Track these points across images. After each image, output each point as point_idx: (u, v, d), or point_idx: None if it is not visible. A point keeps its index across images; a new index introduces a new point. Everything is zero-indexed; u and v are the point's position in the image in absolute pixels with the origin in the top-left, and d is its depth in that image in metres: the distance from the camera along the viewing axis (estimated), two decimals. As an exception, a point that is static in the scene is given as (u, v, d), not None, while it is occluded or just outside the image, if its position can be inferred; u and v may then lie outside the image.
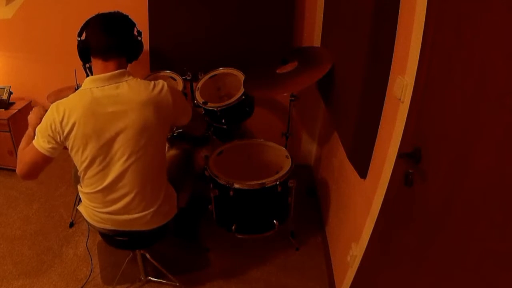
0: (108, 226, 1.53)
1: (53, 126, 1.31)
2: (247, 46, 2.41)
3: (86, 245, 2.14)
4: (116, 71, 1.35)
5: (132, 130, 1.34)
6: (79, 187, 1.52)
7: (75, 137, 1.31)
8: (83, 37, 1.38)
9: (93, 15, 1.39)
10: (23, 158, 1.39)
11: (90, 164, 1.37)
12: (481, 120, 0.76)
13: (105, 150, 1.35)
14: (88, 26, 1.38)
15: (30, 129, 1.45)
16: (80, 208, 1.57)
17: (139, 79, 1.39)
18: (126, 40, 1.40)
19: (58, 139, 1.33)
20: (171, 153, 1.89)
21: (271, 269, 2.03)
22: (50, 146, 1.33)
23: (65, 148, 1.38)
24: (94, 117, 1.30)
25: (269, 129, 2.66)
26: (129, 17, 1.44)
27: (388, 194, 1.21)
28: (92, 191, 1.44)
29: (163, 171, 1.55)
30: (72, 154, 1.37)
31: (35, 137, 1.36)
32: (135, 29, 1.45)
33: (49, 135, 1.32)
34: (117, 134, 1.34)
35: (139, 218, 1.49)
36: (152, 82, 1.40)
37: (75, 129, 1.30)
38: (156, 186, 1.51)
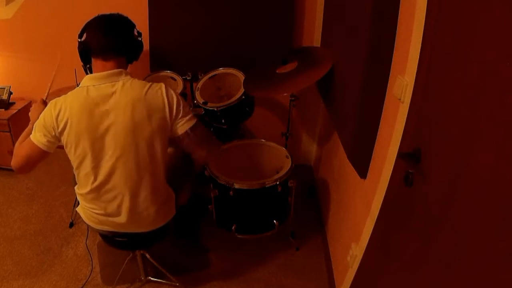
0: (107, 227, 1.53)
1: (49, 121, 1.33)
2: (247, 46, 2.41)
3: (86, 245, 2.14)
4: (113, 70, 1.35)
5: (121, 128, 1.34)
6: (75, 189, 1.52)
7: (68, 134, 1.33)
8: (83, 39, 1.38)
9: (94, 16, 1.40)
10: (20, 151, 1.41)
11: (82, 161, 1.38)
12: (481, 120, 0.76)
13: (96, 148, 1.35)
14: (88, 27, 1.38)
15: (30, 125, 1.46)
16: (79, 210, 1.57)
17: (136, 79, 1.38)
18: (125, 40, 1.40)
19: (54, 134, 1.34)
20: (168, 151, 1.87)
21: (271, 269, 2.03)
22: (46, 140, 1.35)
23: (61, 147, 1.40)
24: (88, 115, 1.31)
25: (269, 129, 2.65)
26: (128, 18, 1.44)
27: (388, 194, 1.21)
28: (85, 191, 1.44)
29: (158, 172, 1.50)
30: (67, 151, 1.39)
31: (33, 132, 1.38)
32: (135, 30, 1.45)
33: (45, 129, 1.34)
34: (106, 132, 1.34)
35: (137, 221, 1.49)
36: (150, 83, 1.38)
37: (68, 125, 1.32)
38: (153, 187, 1.48)
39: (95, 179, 1.40)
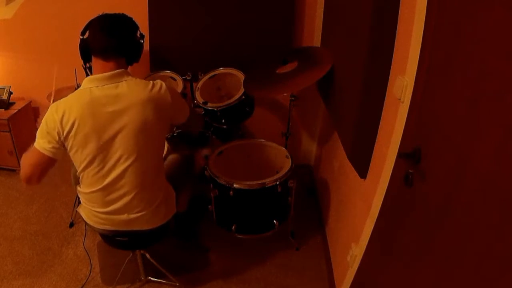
0: (108, 227, 1.52)
1: (52, 126, 1.31)
2: (247, 46, 2.40)
3: (83, 245, 2.14)
4: (115, 71, 1.35)
5: (132, 129, 1.34)
6: (78, 187, 1.52)
7: (74, 136, 1.32)
8: (85, 36, 1.38)
9: (98, 15, 1.39)
10: (26, 161, 1.38)
11: (90, 163, 1.37)
12: (481, 120, 0.76)
13: (104, 150, 1.35)
14: (91, 26, 1.38)
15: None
16: (80, 210, 1.57)
17: (138, 79, 1.39)
18: (126, 42, 1.40)
19: (58, 139, 1.33)
20: (171, 157, 1.89)
21: (271, 269, 2.03)
22: (51, 146, 1.33)
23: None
24: (94, 116, 1.30)
25: (269, 129, 2.65)
26: (133, 19, 1.45)
27: (388, 194, 1.21)
28: (91, 190, 1.44)
29: (161, 170, 1.55)
30: (72, 153, 1.37)
31: (36, 139, 1.35)
32: (138, 32, 1.45)
33: (49, 134, 1.32)
34: (117, 134, 1.34)
35: (138, 218, 1.49)
36: (151, 81, 1.40)
37: (74, 128, 1.30)
38: (156, 185, 1.51)
39: (104, 180, 1.40)
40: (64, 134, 1.31)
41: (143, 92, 1.36)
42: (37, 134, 1.35)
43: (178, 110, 1.52)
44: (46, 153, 1.33)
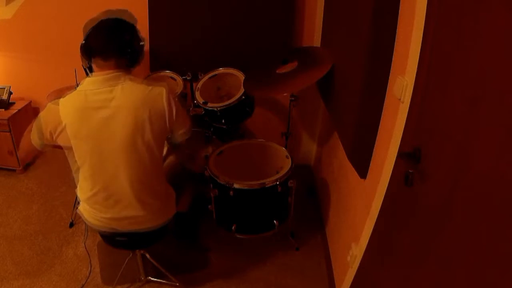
0: (108, 227, 1.53)
1: (46, 125, 1.34)
2: (247, 46, 2.41)
3: (84, 245, 2.14)
4: (112, 74, 1.33)
5: (123, 133, 1.34)
6: (76, 191, 1.53)
7: (67, 138, 1.33)
8: (87, 37, 1.37)
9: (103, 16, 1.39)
10: (22, 145, 1.47)
11: (82, 166, 1.39)
12: (481, 120, 0.76)
13: (96, 153, 1.35)
14: (94, 26, 1.37)
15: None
16: (80, 209, 1.57)
17: (135, 83, 1.36)
18: (124, 44, 1.37)
19: (50, 137, 1.36)
20: (172, 158, 1.88)
21: (271, 269, 2.03)
22: (41, 142, 1.39)
23: (58, 147, 1.41)
24: (87, 120, 1.31)
25: (269, 129, 2.66)
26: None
27: (388, 194, 1.21)
28: (87, 196, 1.45)
29: (160, 171, 1.54)
30: (66, 153, 1.40)
31: (32, 130, 1.40)
32: (139, 34, 1.43)
33: (42, 132, 1.35)
34: (109, 137, 1.34)
35: (138, 220, 1.49)
36: (150, 86, 1.37)
37: (67, 130, 1.32)
38: (154, 186, 1.50)
39: (96, 184, 1.41)
40: (56, 134, 1.34)
41: (138, 97, 1.34)
42: (33, 126, 1.39)
43: (176, 120, 1.44)
44: (36, 146, 1.40)
